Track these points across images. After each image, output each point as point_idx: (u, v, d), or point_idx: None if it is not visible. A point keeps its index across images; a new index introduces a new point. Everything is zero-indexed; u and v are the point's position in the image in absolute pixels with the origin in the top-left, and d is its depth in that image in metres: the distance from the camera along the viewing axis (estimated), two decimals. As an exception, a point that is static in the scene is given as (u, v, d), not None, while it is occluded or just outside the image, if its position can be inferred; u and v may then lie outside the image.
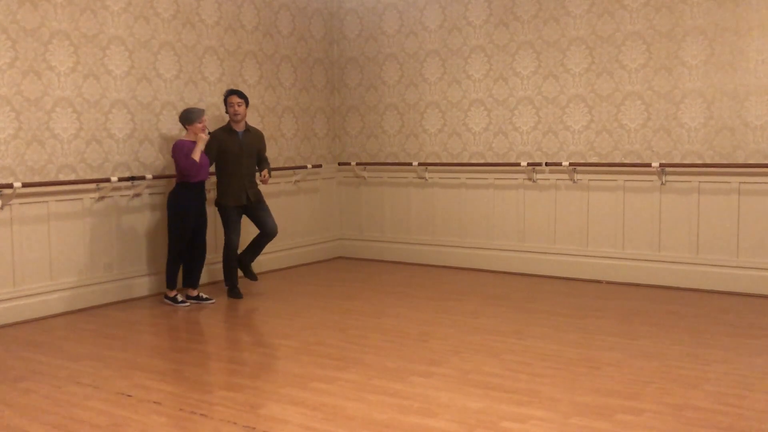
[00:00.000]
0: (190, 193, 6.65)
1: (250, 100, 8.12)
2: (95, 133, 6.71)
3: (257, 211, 7.13)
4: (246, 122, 7.17)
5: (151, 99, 7.14)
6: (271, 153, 8.39)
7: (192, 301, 6.83)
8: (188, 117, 6.66)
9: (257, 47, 8.21)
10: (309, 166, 8.76)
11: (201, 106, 7.58)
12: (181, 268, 6.86)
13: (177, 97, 7.37)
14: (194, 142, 6.63)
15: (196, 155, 6.55)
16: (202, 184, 6.74)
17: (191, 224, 6.70)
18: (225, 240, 7.08)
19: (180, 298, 6.77)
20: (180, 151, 6.56)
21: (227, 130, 7.07)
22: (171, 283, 6.77)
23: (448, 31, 8.34)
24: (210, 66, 7.69)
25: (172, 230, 6.69)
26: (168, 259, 6.76)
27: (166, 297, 6.79)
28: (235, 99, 7.00)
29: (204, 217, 6.84)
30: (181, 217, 6.63)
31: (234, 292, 7.07)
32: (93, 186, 6.67)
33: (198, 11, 7.55)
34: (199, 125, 6.63)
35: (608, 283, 7.44)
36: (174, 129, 7.34)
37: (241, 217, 7.13)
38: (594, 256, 7.60)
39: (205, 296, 6.89)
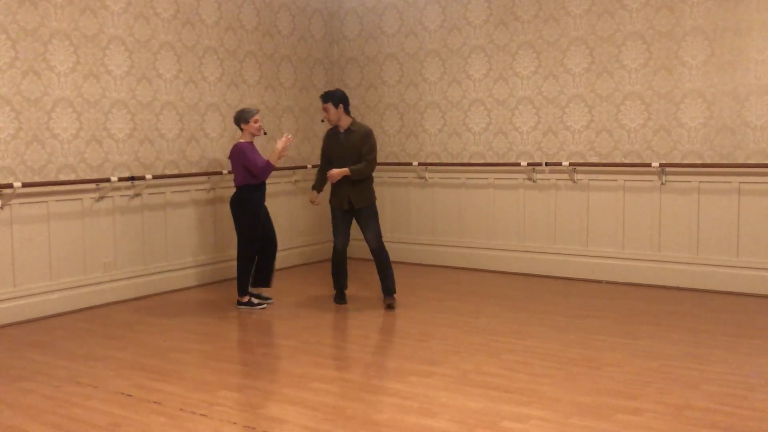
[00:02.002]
0: (257, 194, 6.50)
1: (250, 100, 8.14)
2: (95, 133, 6.71)
3: (359, 220, 6.61)
4: (353, 120, 6.60)
5: (151, 99, 7.14)
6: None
7: (256, 300, 6.68)
8: (243, 117, 6.49)
9: (257, 47, 8.21)
10: (309, 166, 8.76)
11: (201, 105, 7.59)
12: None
13: (177, 97, 7.37)
14: (251, 143, 6.51)
15: (273, 159, 6.43)
16: (264, 183, 6.57)
17: (261, 224, 6.58)
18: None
19: (255, 300, 6.60)
20: (246, 153, 6.36)
21: (333, 129, 6.65)
22: (244, 290, 6.56)
23: (448, 31, 8.34)
24: (210, 66, 7.69)
25: (245, 234, 6.50)
26: (242, 265, 6.52)
27: (240, 303, 6.59)
28: (321, 103, 6.61)
29: (268, 214, 6.71)
30: (253, 220, 6.48)
31: (338, 298, 6.80)
32: (93, 186, 6.67)
33: (198, 11, 7.55)
34: (255, 125, 6.48)
35: (608, 283, 7.44)
36: (174, 128, 7.34)
37: (347, 221, 6.66)
38: (594, 256, 7.60)
39: (264, 296, 6.75)
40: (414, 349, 5.39)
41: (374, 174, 8.90)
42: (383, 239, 6.66)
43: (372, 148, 6.51)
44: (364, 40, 8.97)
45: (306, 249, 8.91)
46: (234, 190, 6.62)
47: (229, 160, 6.71)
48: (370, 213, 6.56)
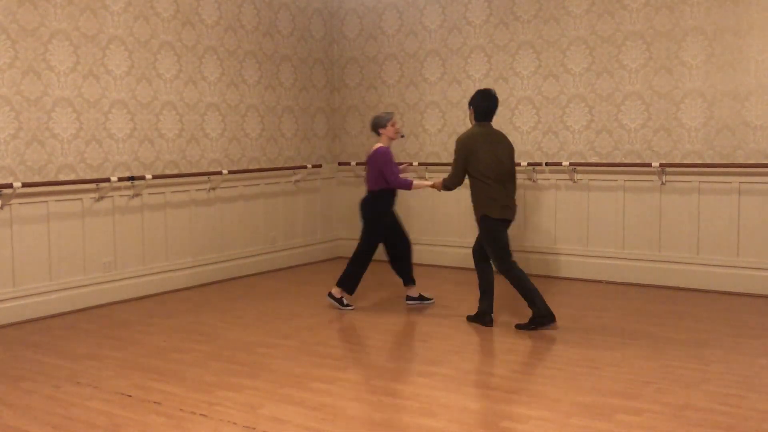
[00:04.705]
0: (387, 198, 6.46)
1: (250, 100, 8.14)
2: (95, 133, 6.71)
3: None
4: (472, 126, 6.15)
5: (151, 99, 7.14)
6: (271, 153, 8.40)
7: (413, 302, 6.66)
8: (381, 122, 6.41)
9: (257, 47, 8.21)
10: (309, 166, 8.76)
11: (201, 106, 7.59)
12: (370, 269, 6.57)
13: (177, 97, 7.37)
14: (389, 149, 6.43)
15: (417, 184, 6.39)
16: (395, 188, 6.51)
17: (386, 228, 6.53)
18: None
19: (346, 301, 6.52)
20: (386, 160, 6.31)
21: None
22: (349, 287, 6.47)
23: (448, 31, 8.33)
24: (210, 66, 7.69)
25: (370, 235, 6.44)
26: (357, 263, 6.45)
27: (333, 296, 6.52)
28: None
29: (397, 217, 6.68)
30: (380, 223, 6.44)
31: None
32: (93, 186, 6.67)
33: (198, 11, 7.55)
34: (393, 128, 6.41)
35: (608, 283, 7.44)
36: (174, 128, 7.34)
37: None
38: (594, 256, 7.60)
39: (426, 296, 6.73)
40: (414, 349, 5.39)
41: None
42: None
43: (454, 159, 6.04)
44: (364, 40, 8.97)
45: (306, 249, 8.90)
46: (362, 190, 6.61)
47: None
48: (480, 227, 6.02)
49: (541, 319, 5.77)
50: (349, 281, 6.50)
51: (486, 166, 5.90)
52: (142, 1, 7.02)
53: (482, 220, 5.96)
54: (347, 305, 6.52)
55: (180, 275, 7.43)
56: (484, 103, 6.03)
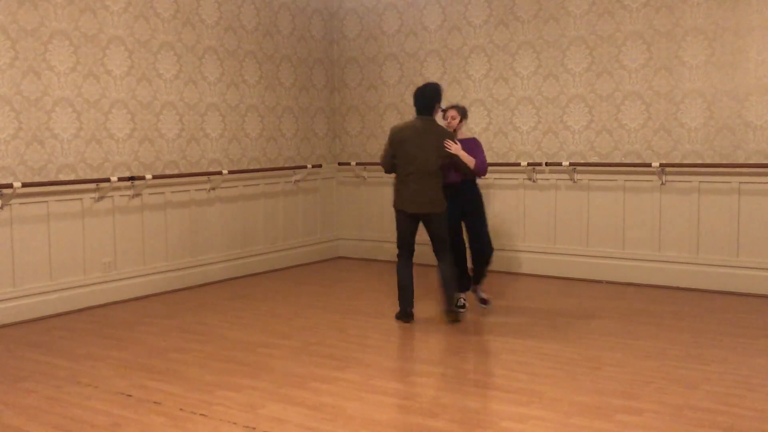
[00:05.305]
0: (445, 191, 6.12)
1: (250, 100, 8.14)
2: (95, 133, 6.71)
3: None
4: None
5: (151, 99, 7.14)
6: (271, 153, 8.41)
7: (482, 305, 6.52)
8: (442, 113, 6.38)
9: (257, 47, 8.21)
10: (309, 166, 8.76)
11: (201, 106, 7.59)
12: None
13: (177, 97, 7.37)
14: (467, 139, 6.26)
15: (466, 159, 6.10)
16: (455, 183, 6.22)
17: (453, 223, 6.23)
18: None
19: (462, 301, 6.42)
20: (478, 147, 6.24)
21: None
22: (459, 286, 6.27)
23: (448, 31, 8.33)
24: (210, 66, 7.69)
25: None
26: (456, 261, 6.23)
27: (479, 298, 6.49)
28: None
29: (471, 216, 6.31)
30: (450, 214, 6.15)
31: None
32: (93, 186, 6.67)
33: (198, 11, 7.55)
34: (444, 121, 6.29)
35: (608, 283, 7.44)
36: (174, 128, 7.34)
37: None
38: (594, 256, 7.60)
39: (485, 297, 6.57)
40: (414, 349, 5.38)
41: (374, 174, 8.95)
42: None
43: (385, 145, 6.19)
44: (364, 40, 8.97)
45: (306, 249, 8.90)
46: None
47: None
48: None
49: (399, 315, 6.11)
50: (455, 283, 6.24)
51: (409, 158, 5.95)
52: (142, 1, 7.02)
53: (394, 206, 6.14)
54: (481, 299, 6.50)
55: (180, 275, 7.42)
56: (414, 99, 6.13)
